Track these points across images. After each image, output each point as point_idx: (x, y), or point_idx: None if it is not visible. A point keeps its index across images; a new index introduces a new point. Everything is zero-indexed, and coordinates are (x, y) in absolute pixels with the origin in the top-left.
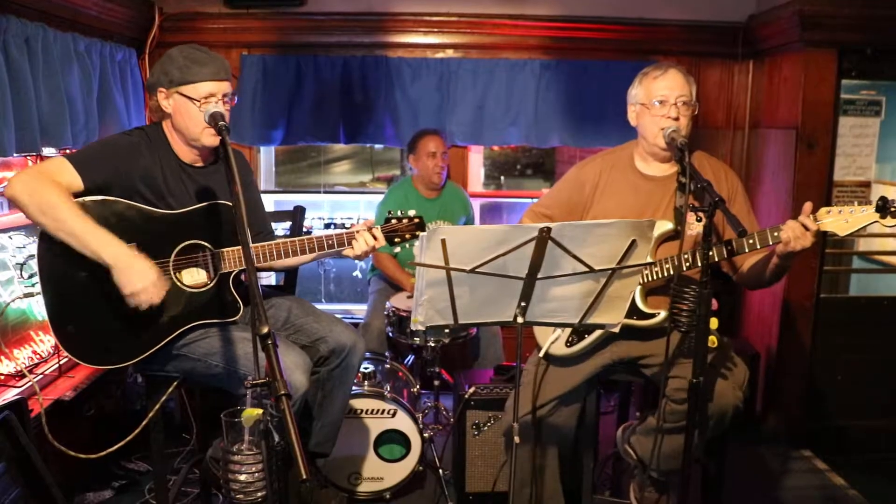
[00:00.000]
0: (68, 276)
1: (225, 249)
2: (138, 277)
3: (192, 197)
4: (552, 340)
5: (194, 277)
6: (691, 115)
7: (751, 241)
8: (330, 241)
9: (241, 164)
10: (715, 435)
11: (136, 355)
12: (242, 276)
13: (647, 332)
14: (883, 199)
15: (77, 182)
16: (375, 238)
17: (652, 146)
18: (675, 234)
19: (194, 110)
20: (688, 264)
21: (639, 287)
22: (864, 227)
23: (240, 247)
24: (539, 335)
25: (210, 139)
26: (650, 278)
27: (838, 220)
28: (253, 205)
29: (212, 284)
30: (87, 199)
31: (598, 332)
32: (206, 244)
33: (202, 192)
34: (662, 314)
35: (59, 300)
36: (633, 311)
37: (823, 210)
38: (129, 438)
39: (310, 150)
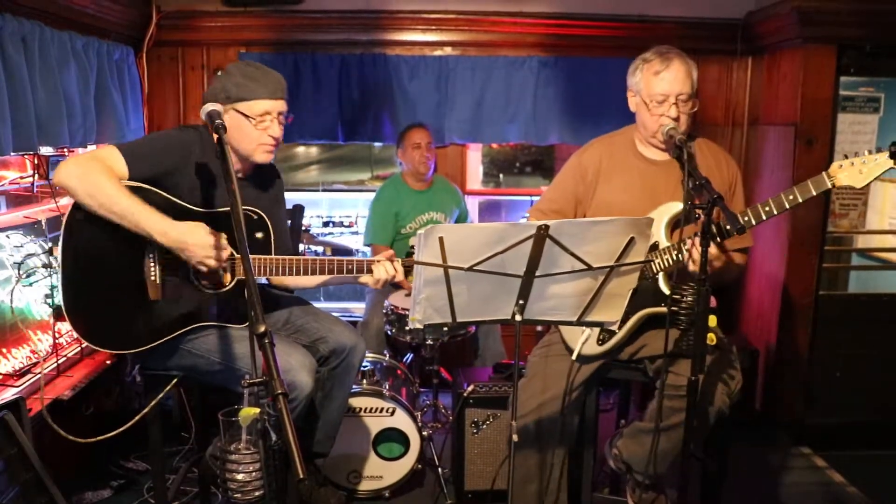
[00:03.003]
0: (90, 261)
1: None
2: (193, 250)
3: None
4: (583, 341)
5: (216, 278)
6: (691, 109)
7: (766, 209)
8: (349, 266)
9: (275, 180)
10: (697, 437)
11: (141, 344)
12: (268, 279)
13: (664, 320)
14: (895, 143)
15: (124, 171)
16: (396, 269)
17: (650, 139)
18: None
19: (249, 128)
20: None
21: (661, 273)
22: (880, 175)
23: (260, 256)
24: (569, 337)
25: (262, 156)
26: (669, 263)
27: (852, 172)
28: (279, 222)
29: (229, 287)
30: (126, 184)
31: (628, 326)
32: (231, 248)
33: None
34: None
35: (79, 284)
36: (661, 298)
37: (835, 165)
38: (125, 427)
39: (309, 148)
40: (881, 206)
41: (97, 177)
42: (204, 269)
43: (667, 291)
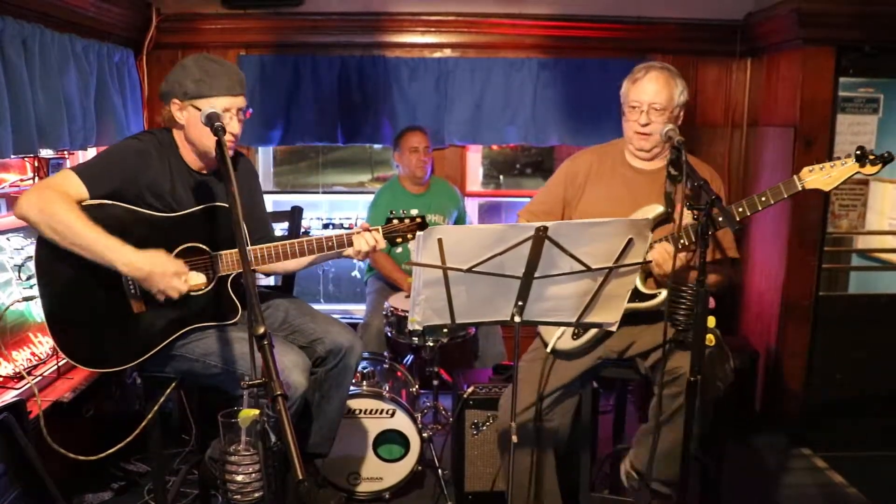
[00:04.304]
0: (66, 278)
1: (222, 252)
2: (156, 279)
3: (199, 203)
4: (558, 336)
5: (193, 280)
6: (669, 119)
7: (740, 210)
8: (329, 243)
9: (247, 170)
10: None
11: (133, 359)
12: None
13: (648, 316)
14: (861, 148)
15: (84, 194)
16: (375, 239)
17: (629, 146)
18: (667, 218)
19: None
20: (683, 242)
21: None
22: (847, 178)
23: (237, 249)
24: (544, 331)
25: None
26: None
27: (820, 176)
28: (255, 209)
29: (210, 287)
30: (86, 202)
31: None
32: (204, 247)
33: (208, 198)
34: (664, 294)
35: (57, 303)
36: (635, 294)
37: (806, 169)
38: (125, 442)
39: (308, 150)
40: (881, 206)
41: (56, 207)
42: (163, 297)
43: (642, 289)
